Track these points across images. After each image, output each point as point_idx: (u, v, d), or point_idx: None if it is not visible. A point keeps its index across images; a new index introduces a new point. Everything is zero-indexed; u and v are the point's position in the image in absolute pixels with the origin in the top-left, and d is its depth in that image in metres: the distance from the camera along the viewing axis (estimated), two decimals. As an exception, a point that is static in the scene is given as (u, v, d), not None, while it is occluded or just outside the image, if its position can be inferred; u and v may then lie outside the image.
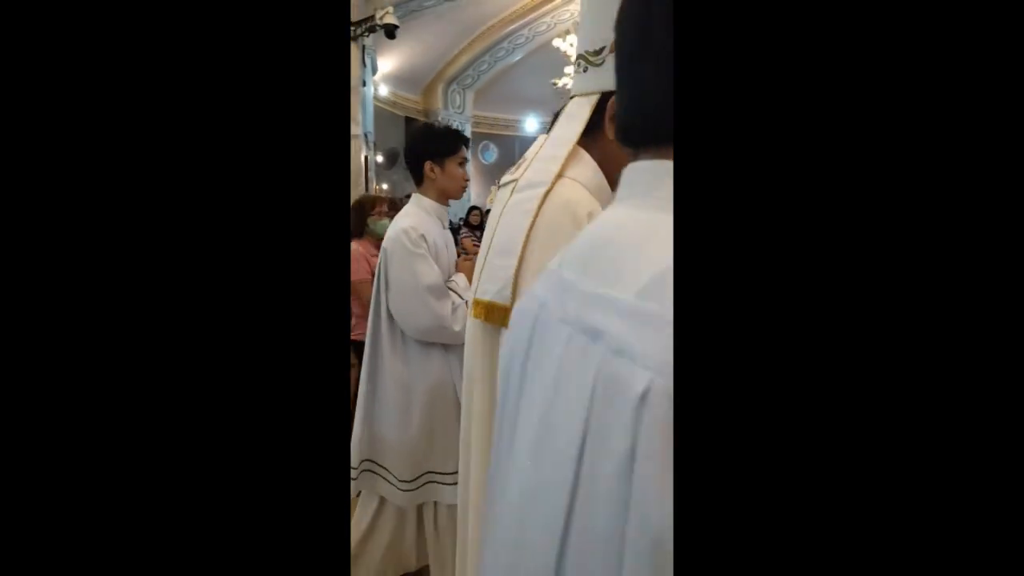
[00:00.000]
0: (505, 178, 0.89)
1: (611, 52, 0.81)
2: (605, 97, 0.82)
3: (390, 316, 1.52)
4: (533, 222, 0.73)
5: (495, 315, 0.72)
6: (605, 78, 0.82)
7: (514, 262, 0.71)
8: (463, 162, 1.54)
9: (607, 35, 0.80)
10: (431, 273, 1.47)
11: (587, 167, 0.81)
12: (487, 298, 0.74)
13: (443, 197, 1.57)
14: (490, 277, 0.75)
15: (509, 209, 0.78)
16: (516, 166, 0.89)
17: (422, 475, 1.54)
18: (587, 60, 0.84)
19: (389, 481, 1.55)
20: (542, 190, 0.75)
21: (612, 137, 0.80)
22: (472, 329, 0.82)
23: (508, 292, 0.70)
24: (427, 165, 1.52)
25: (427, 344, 1.51)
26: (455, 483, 1.54)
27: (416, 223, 1.49)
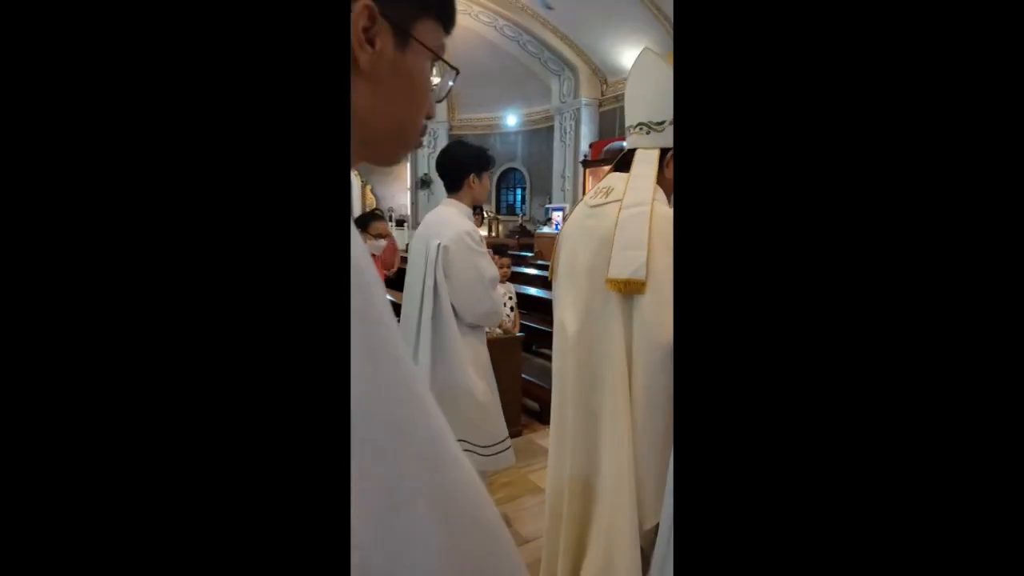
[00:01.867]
0: (596, 200, 1.29)
1: (670, 124, 1.26)
2: (662, 151, 1.27)
3: (451, 305, 1.81)
4: (650, 225, 1.16)
5: (632, 287, 1.15)
6: (663, 139, 1.27)
7: (644, 252, 1.14)
8: (490, 175, 1.90)
9: (668, 113, 1.25)
10: (491, 268, 1.85)
11: (662, 194, 1.26)
12: (624, 276, 1.15)
13: (472, 203, 1.96)
14: (623, 263, 1.16)
15: (625, 219, 1.20)
16: (602, 192, 1.30)
17: (500, 441, 1.88)
18: (650, 127, 1.28)
19: (472, 451, 1.85)
20: (647, 207, 1.19)
21: (668, 176, 1.26)
22: (601, 302, 1.22)
23: (643, 271, 1.14)
24: (470, 177, 1.89)
25: (475, 327, 1.86)
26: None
27: (472, 226, 1.87)
